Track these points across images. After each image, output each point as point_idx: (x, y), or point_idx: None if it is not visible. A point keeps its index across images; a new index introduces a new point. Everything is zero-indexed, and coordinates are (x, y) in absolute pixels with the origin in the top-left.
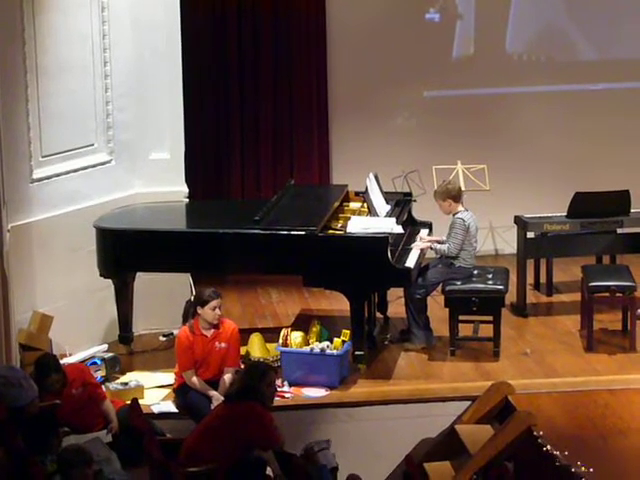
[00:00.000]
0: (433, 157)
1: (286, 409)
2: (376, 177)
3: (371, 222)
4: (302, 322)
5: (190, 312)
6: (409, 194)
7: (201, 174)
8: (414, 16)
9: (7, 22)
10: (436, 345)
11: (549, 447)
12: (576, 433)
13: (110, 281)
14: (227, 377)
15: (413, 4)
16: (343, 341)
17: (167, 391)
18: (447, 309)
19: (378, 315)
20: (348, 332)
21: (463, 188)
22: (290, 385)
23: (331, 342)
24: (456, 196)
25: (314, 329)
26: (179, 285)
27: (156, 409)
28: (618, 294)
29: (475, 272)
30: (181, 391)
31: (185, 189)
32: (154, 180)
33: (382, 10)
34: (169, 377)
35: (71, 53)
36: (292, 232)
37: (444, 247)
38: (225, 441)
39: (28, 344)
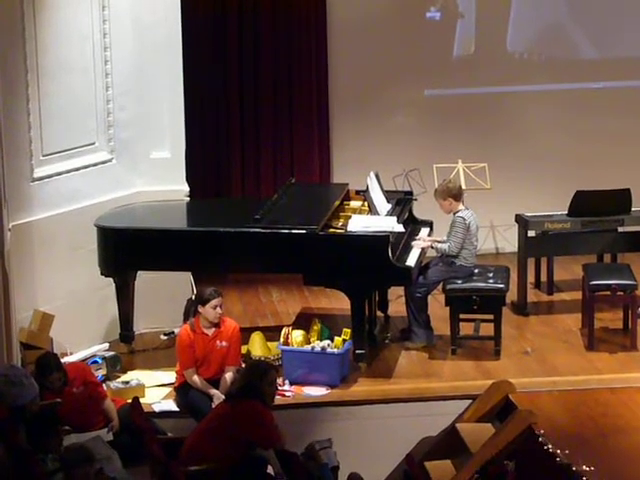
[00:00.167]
0: (434, 156)
1: (287, 408)
2: (377, 176)
3: (372, 221)
4: (303, 321)
5: (191, 311)
6: (410, 193)
7: (202, 173)
8: (415, 15)
9: (8, 21)
10: (437, 344)
11: (550, 446)
12: (577, 432)
13: (111, 280)
14: (228, 376)
15: (414, 3)
16: (344, 340)
17: (168, 390)
18: (448, 308)
19: (379, 314)
20: (349, 331)
21: (464, 187)
22: (291, 384)
23: (332, 341)
24: (457, 195)
25: (315, 328)
26: (180, 284)
27: (157, 408)
28: (619, 292)
29: (476, 271)
30: (182, 390)
31: (186, 188)
32: (155, 179)
33: (383, 9)
34: (170, 376)
35: (72, 52)
36: (293, 231)
37: (445, 246)
38: (226, 440)
39: (29, 343)
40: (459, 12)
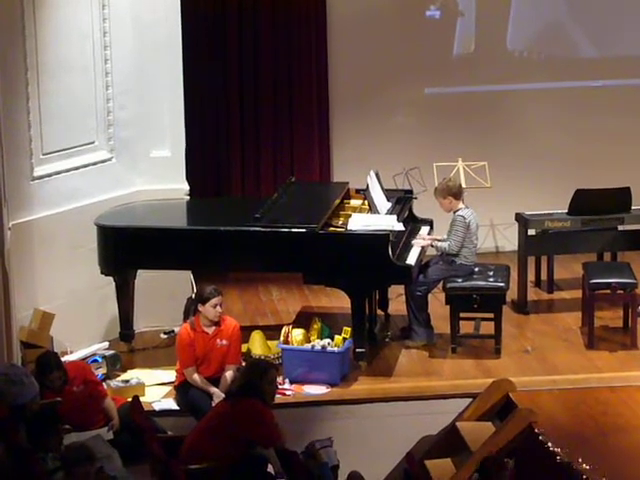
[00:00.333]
0: (434, 154)
1: (287, 406)
2: (377, 174)
3: (372, 219)
4: (303, 319)
5: (191, 309)
6: (410, 191)
7: (202, 172)
8: (415, 13)
9: (7, 20)
10: (437, 342)
11: (550, 444)
12: (577, 430)
13: (111, 279)
14: (228, 374)
15: (414, 1)
16: (344, 338)
17: (168, 388)
18: (448, 306)
19: (379, 312)
20: (349, 329)
21: (464, 185)
22: (291, 382)
23: (332, 339)
24: (457, 193)
25: (315, 326)
26: (180, 283)
27: (157, 406)
28: (619, 291)
29: (476, 269)
30: (182, 388)
31: (186, 186)
32: (155, 178)
33: (383, 7)
34: (170, 374)
35: (72, 51)
36: (293, 229)
37: (445, 244)
38: (226, 438)
39: (29, 342)
40: (459, 10)
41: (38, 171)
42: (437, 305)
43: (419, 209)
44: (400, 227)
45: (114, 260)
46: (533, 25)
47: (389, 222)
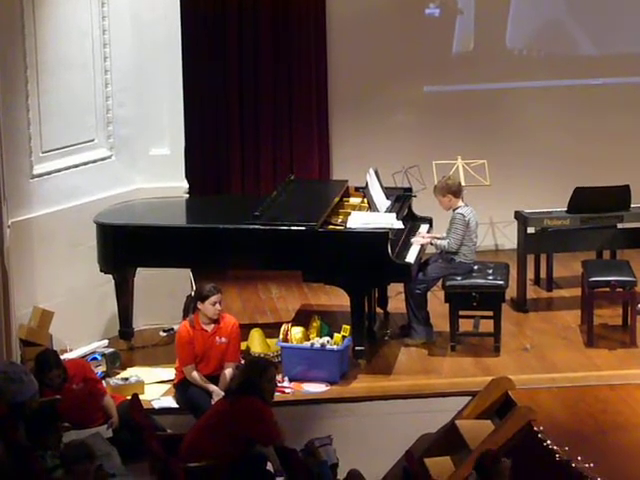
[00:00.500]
0: (433, 152)
1: (286, 404)
2: (376, 172)
3: (371, 217)
4: (302, 317)
5: (190, 307)
6: (409, 189)
7: (201, 170)
8: (414, 11)
9: (7, 18)
10: (436, 340)
11: (549, 442)
12: (576, 428)
13: (110, 276)
14: (228, 372)
15: None
16: (343, 336)
17: (167, 386)
18: (447, 304)
19: (378, 310)
20: (348, 327)
21: (463, 183)
22: (290, 380)
23: (331, 337)
24: (456, 191)
25: (314, 324)
26: (179, 280)
27: (156, 404)
28: (618, 289)
29: (475, 267)
30: (181, 386)
31: (185, 184)
32: (154, 176)
33: (382, 6)
34: (169, 372)
35: (71, 49)
36: (292, 227)
37: (444, 242)
38: (225, 436)
39: (29, 339)
40: (458, 8)
41: (37, 169)
42: (436, 303)
43: (418, 207)
44: (399, 225)
45: (113, 258)
46: (532, 23)
47: (388, 220)
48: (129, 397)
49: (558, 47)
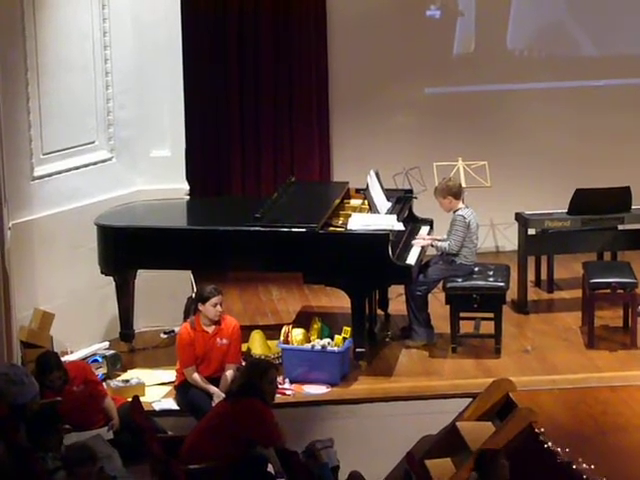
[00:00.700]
0: (434, 154)
1: (287, 406)
2: (377, 174)
3: (372, 219)
4: (303, 319)
5: (191, 309)
6: (410, 191)
7: (202, 171)
8: (415, 13)
9: (7, 20)
10: (437, 342)
11: (550, 444)
12: (577, 430)
13: (111, 278)
14: (229, 374)
15: (414, 1)
16: (344, 338)
17: (168, 388)
18: (448, 306)
19: (379, 312)
20: (349, 329)
21: (464, 185)
22: (291, 382)
23: (332, 339)
24: (457, 193)
25: (315, 326)
26: (180, 282)
27: (157, 406)
28: (619, 291)
29: (476, 269)
30: (182, 388)
31: (186, 186)
32: (155, 177)
33: (383, 7)
34: (170, 374)
35: (72, 51)
36: (293, 229)
37: (445, 244)
38: (226, 438)
39: (29, 341)
40: (459, 10)
41: (38, 171)
42: (437, 305)
43: (419, 209)
44: (400, 227)
45: (114, 260)
46: (533, 24)
47: (389, 222)
48: (130, 399)
49: (559, 48)
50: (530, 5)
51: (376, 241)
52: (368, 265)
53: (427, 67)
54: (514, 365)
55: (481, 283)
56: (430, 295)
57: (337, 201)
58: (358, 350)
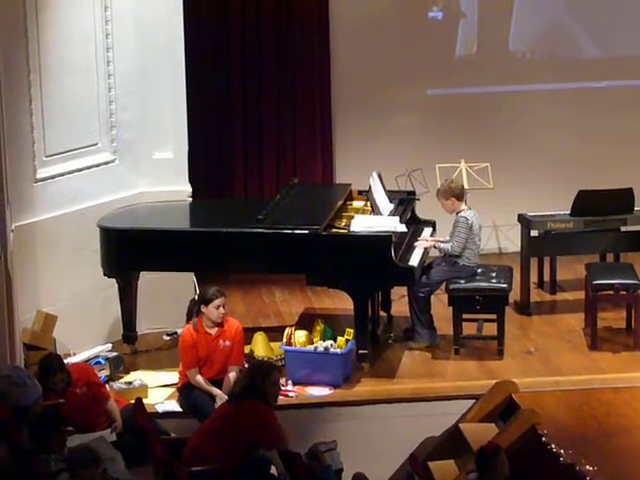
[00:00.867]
0: (436, 156)
1: (290, 408)
2: (379, 176)
3: (374, 221)
4: (306, 321)
5: (194, 311)
6: (412, 193)
7: (204, 173)
8: (417, 15)
9: (10, 22)
10: (440, 344)
11: (553, 445)
12: (580, 431)
13: (114, 280)
14: (232, 375)
15: (416, 3)
16: (347, 340)
17: (171, 390)
18: (451, 308)
19: (382, 314)
20: (352, 331)
21: (466, 186)
22: (294, 384)
23: (335, 341)
24: (459, 195)
25: (318, 328)
26: (183, 284)
27: (160, 408)
28: (622, 292)
29: (479, 270)
30: (185, 390)
31: (188, 188)
32: (158, 179)
33: (385, 8)
34: (173, 376)
35: (74, 52)
36: (295, 231)
37: (447, 246)
38: (229, 440)
39: (32, 344)
40: (461, 12)
41: (41, 173)
42: (440, 306)
43: (422, 210)
44: (403, 228)
45: (117, 262)
46: (535, 26)
47: (392, 223)
48: (133, 401)
49: (561, 50)
50: (532, 7)
51: (379, 243)
52: (371, 267)
53: (429, 69)
54: (517, 367)
55: (484, 284)
56: (433, 297)
57: (340, 203)
58: (361, 352)
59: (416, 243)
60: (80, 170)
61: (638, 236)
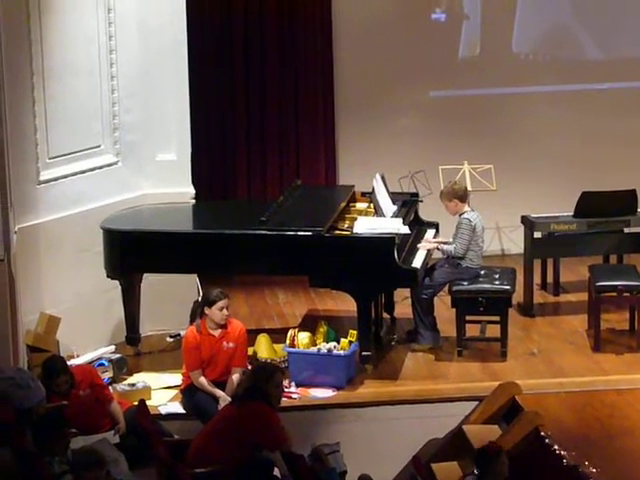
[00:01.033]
0: (439, 157)
1: (293, 410)
2: (382, 177)
3: (377, 222)
4: (309, 323)
5: (197, 312)
6: (415, 194)
7: (208, 175)
8: (420, 16)
9: (13, 24)
10: (443, 345)
11: (556, 447)
12: (583, 433)
13: (117, 282)
14: (235, 377)
15: (419, 5)
16: (350, 342)
17: (174, 392)
18: (454, 309)
19: (385, 315)
20: (355, 333)
21: (469, 188)
22: (297, 386)
23: (338, 343)
24: (462, 196)
25: (321, 330)
26: (186, 286)
27: (163, 410)
28: (625, 294)
29: (482, 272)
30: (188, 392)
31: (191, 190)
32: (161, 181)
33: (388, 10)
34: (176, 378)
35: (77, 55)
36: (299, 233)
37: (451, 247)
38: (232, 442)
39: (35, 345)
40: (464, 13)
41: (44, 175)
42: (443, 308)
43: (425, 212)
44: (406, 230)
45: (120, 264)
46: (538, 28)
47: (395, 225)
48: (136, 403)
49: (564, 52)
50: (535, 9)
51: (382, 244)
52: (374, 268)
53: (432, 70)
54: (520, 368)
55: (487, 286)
56: (436, 298)
57: (343, 204)
58: (364, 353)
59: (419, 245)
60: (83, 172)
61: None
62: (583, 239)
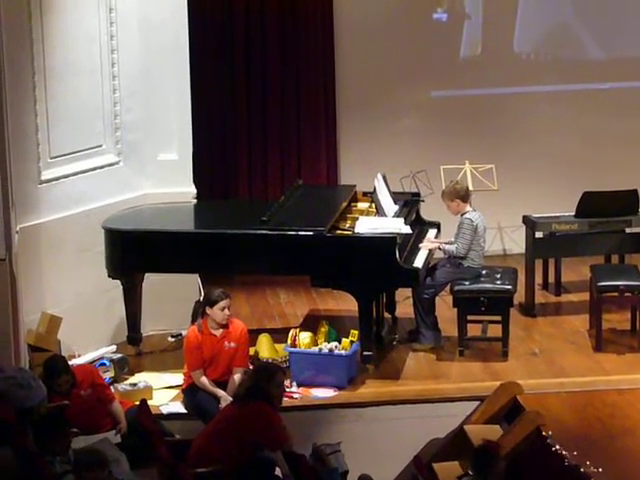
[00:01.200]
0: (441, 157)
1: (294, 409)
2: (384, 177)
3: (379, 222)
4: (310, 322)
5: (199, 312)
6: (417, 194)
7: (209, 175)
8: (422, 16)
9: (14, 23)
10: (444, 345)
11: (558, 447)
12: (585, 433)
13: (118, 282)
14: (236, 377)
15: (420, 4)
16: (351, 341)
17: (176, 392)
18: (455, 309)
19: (386, 315)
20: (356, 332)
21: (471, 188)
22: (299, 385)
23: (339, 342)
24: (464, 196)
25: (322, 329)
26: (187, 286)
27: (165, 410)
28: (627, 294)
29: (483, 272)
30: (190, 392)
31: (193, 190)
32: (162, 181)
33: (389, 10)
34: (178, 378)
35: (79, 54)
36: (300, 232)
37: (452, 247)
38: (234, 442)
39: (37, 345)
40: (466, 13)
41: (46, 175)
42: (444, 308)
43: (426, 212)
44: (407, 230)
45: (121, 263)
46: (540, 27)
47: (396, 225)
48: (137, 402)
49: (566, 51)
50: (537, 8)
51: (383, 244)
52: (375, 268)
53: (434, 70)
54: (522, 368)
55: (488, 286)
56: (437, 298)
57: (344, 204)
58: (365, 353)
59: (421, 245)
60: (85, 172)
61: None
62: (584, 239)
